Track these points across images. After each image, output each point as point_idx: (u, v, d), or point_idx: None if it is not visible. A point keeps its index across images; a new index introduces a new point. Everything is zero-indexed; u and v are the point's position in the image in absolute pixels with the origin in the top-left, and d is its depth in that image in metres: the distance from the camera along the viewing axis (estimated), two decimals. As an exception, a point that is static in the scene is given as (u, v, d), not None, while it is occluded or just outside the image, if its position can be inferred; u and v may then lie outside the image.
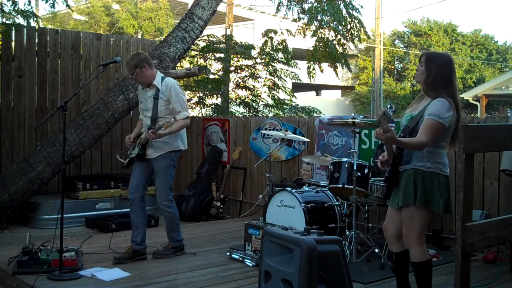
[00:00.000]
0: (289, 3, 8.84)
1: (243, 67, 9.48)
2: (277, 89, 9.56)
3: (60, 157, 5.81)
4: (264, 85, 9.49)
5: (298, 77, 9.81)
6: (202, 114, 9.41)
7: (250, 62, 9.50)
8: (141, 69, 4.65)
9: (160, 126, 4.54)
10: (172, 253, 4.89)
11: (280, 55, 9.35)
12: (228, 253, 4.88)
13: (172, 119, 4.53)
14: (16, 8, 6.58)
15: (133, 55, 4.81)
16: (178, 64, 7.94)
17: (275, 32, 9.32)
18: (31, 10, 6.84)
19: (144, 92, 4.83)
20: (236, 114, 9.47)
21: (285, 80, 9.68)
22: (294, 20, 9.09)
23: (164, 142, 4.70)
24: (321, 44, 8.92)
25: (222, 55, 9.33)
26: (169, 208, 4.79)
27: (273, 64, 9.38)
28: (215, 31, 11.00)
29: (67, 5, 7.17)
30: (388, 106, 3.15)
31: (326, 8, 8.56)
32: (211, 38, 9.31)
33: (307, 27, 8.94)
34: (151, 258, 4.82)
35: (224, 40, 9.51)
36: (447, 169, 3.31)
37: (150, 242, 5.27)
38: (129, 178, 4.91)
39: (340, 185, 4.78)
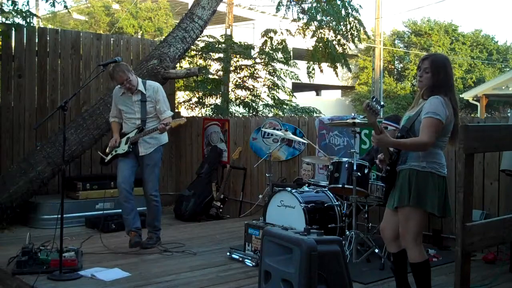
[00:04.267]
0: (288, 3, 8.84)
1: (243, 67, 9.47)
2: (277, 89, 9.54)
3: (60, 157, 5.82)
4: (264, 85, 9.48)
5: (297, 77, 9.79)
6: (202, 114, 9.40)
7: (249, 62, 9.48)
8: (131, 74, 4.95)
9: (166, 123, 4.85)
10: (155, 242, 5.14)
11: (280, 55, 9.33)
12: (228, 253, 4.88)
13: (181, 119, 4.99)
14: (15, 8, 6.58)
15: (116, 65, 4.93)
16: (178, 64, 7.93)
17: (275, 32, 9.30)
18: (29, 10, 6.84)
19: (126, 98, 5.05)
20: (236, 114, 9.46)
21: (284, 80, 9.66)
22: (294, 20, 9.08)
23: (154, 138, 5.03)
24: (320, 44, 8.91)
25: (221, 55, 9.32)
26: (156, 198, 5.09)
27: (272, 64, 9.36)
28: (215, 31, 10.97)
29: (65, 6, 7.17)
30: (373, 99, 3.10)
31: (325, 8, 8.55)
32: (210, 39, 9.29)
33: (306, 27, 8.93)
34: (151, 258, 4.82)
35: (223, 40, 9.50)
36: (443, 169, 3.29)
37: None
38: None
39: (340, 185, 4.77)
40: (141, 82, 5.06)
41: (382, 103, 3.14)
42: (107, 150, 5.20)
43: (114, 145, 5.10)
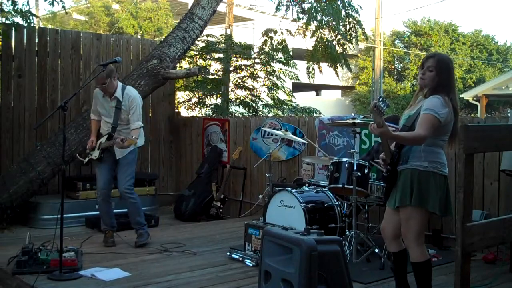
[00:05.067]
0: (288, 3, 8.83)
1: (242, 67, 9.46)
2: (276, 89, 9.52)
3: (60, 157, 5.81)
4: (264, 85, 9.46)
5: (297, 77, 9.77)
6: (202, 114, 9.40)
7: (249, 62, 9.47)
8: (111, 79, 5.08)
9: (122, 139, 4.95)
10: (147, 237, 5.31)
11: (280, 55, 9.32)
12: (228, 253, 4.88)
13: (133, 137, 5.02)
14: (15, 8, 6.58)
15: (107, 67, 5.04)
16: (178, 64, 7.93)
17: (275, 32, 9.29)
18: (29, 10, 6.83)
19: (105, 101, 5.21)
20: (236, 114, 9.45)
21: (284, 80, 9.63)
22: (294, 20, 9.07)
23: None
24: (320, 44, 8.91)
25: (221, 55, 9.31)
26: (131, 194, 5.23)
27: (271, 64, 9.34)
28: (215, 31, 10.95)
29: (63, 7, 7.16)
30: (380, 99, 3.12)
31: (325, 8, 8.55)
32: (210, 38, 9.29)
33: (306, 27, 8.93)
34: (151, 258, 4.83)
35: (223, 40, 9.48)
36: (445, 168, 3.30)
37: (150, 242, 5.30)
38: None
39: (340, 185, 4.78)
40: (120, 89, 5.18)
41: (387, 102, 3.16)
42: (87, 151, 5.38)
43: (91, 146, 5.27)
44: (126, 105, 5.14)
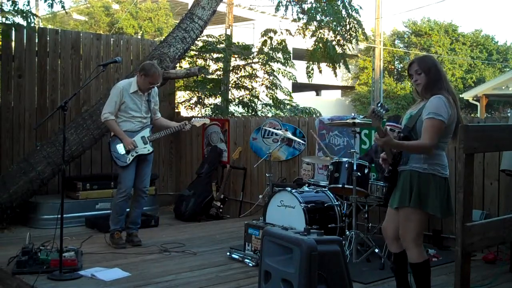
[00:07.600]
0: (288, 3, 8.83)
1: (240, 66, 9.44)
2: (275, 89, 9.50)
3: (60, 157, 5.81)
4: (262, 84, 9.44)
5: (295, 77, 9.74)
6: (202, 114, 9.39)
7: (246, 62, 9.46)
8: None
9: (190, 124, 5.38)
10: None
11: (279, 55, 9.31)
12: (228, 253, 4.88)
13: (206, 119, 5.73)
14: (15, 8, 6.57)
15: (156, 65, 5.29)
16: (178, 64, 7.93)
17: (275, 32, 9.29)
18: (30, 10, 6.83)
19: (137, 96, 5.20)
20: (235, 114, 9.44)
21: (279, 80, 9.59)
22: (294, 20, 9.07)
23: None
24: (320, 45, 8.90)
25: (220, 55, 9.29)
26: (147, 194, 5.45)
27: (270, 63, 9.32)
28: (215, 31, 10.94)
29: (63, 7, 7.15)
30: (378, 104, 3.13)
31: (325, 8, 8.54)
32: (209, 39, 9.27)
33: (306, 27, 8.92)
34: (151, 258, 4.83)
35: (222, 40, 9.46)
36: (445, 170, 3.29)
37: (150, 242, 5.31)
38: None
39: (340, 185, 4.78)
40: None
41: (387, 107, 3.16)
42: (132, 153, 5.19)
43: (134, 146, 5.17)
44: (154, 97, 5.38)
